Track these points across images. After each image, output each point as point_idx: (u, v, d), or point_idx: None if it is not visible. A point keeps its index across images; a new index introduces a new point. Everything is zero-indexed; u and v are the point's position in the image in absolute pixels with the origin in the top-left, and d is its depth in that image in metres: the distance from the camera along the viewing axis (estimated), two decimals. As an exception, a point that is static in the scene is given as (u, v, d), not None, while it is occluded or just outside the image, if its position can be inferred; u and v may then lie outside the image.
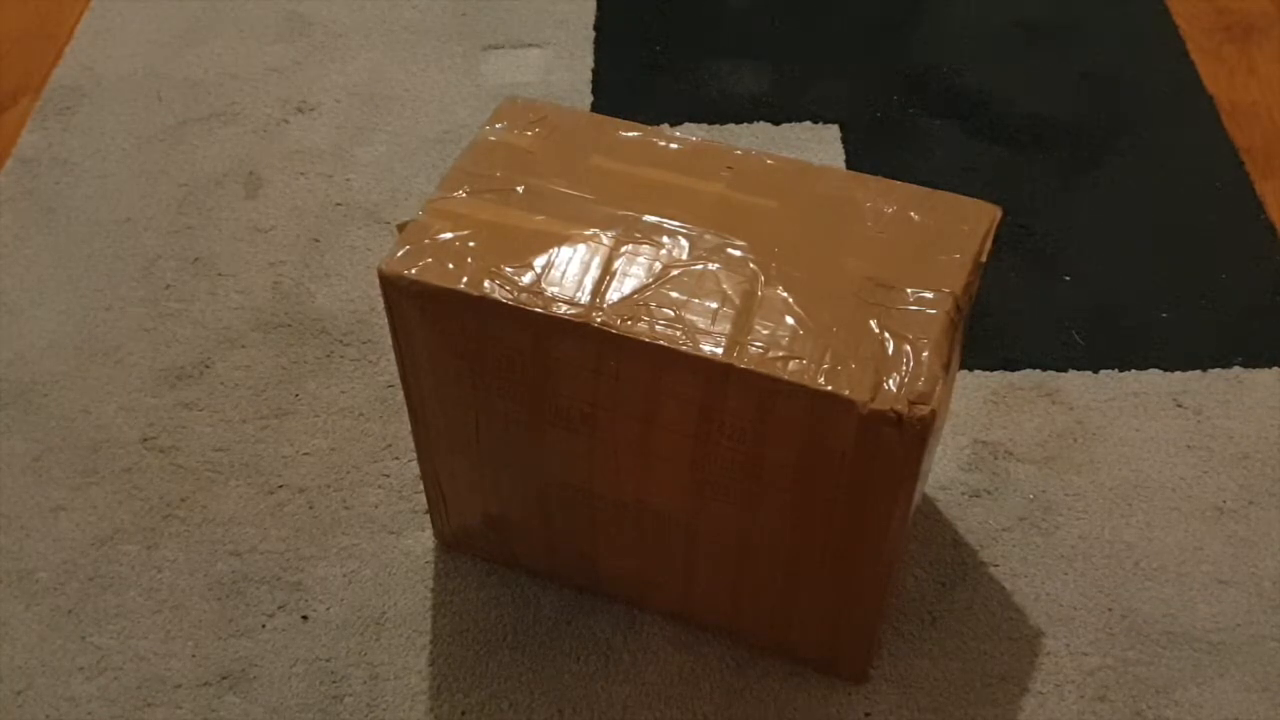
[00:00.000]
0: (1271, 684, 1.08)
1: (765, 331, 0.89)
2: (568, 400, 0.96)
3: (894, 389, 0.86)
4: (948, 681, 1.08)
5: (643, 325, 0.90)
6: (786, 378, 0.87)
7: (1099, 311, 1.37)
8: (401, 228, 0.97)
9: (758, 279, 0.93)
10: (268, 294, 1.39)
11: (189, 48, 1.69)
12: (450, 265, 0.94)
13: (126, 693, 1.08)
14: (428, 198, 1.00)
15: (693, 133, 1.55)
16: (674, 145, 1.03)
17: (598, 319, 0.90)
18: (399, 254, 0.95)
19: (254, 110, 1.60)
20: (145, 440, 1.26)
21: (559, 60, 1.66)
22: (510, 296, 0.92)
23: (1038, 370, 1.31)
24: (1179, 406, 1.27)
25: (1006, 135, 1.56)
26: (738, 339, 0.89)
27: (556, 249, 0.95)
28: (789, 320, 0.90)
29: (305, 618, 1.13)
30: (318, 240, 1.44)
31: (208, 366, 1.32)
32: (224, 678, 1.09)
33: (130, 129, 1.58)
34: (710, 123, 1.58)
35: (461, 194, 0.99)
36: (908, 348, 0.88)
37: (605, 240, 0.95)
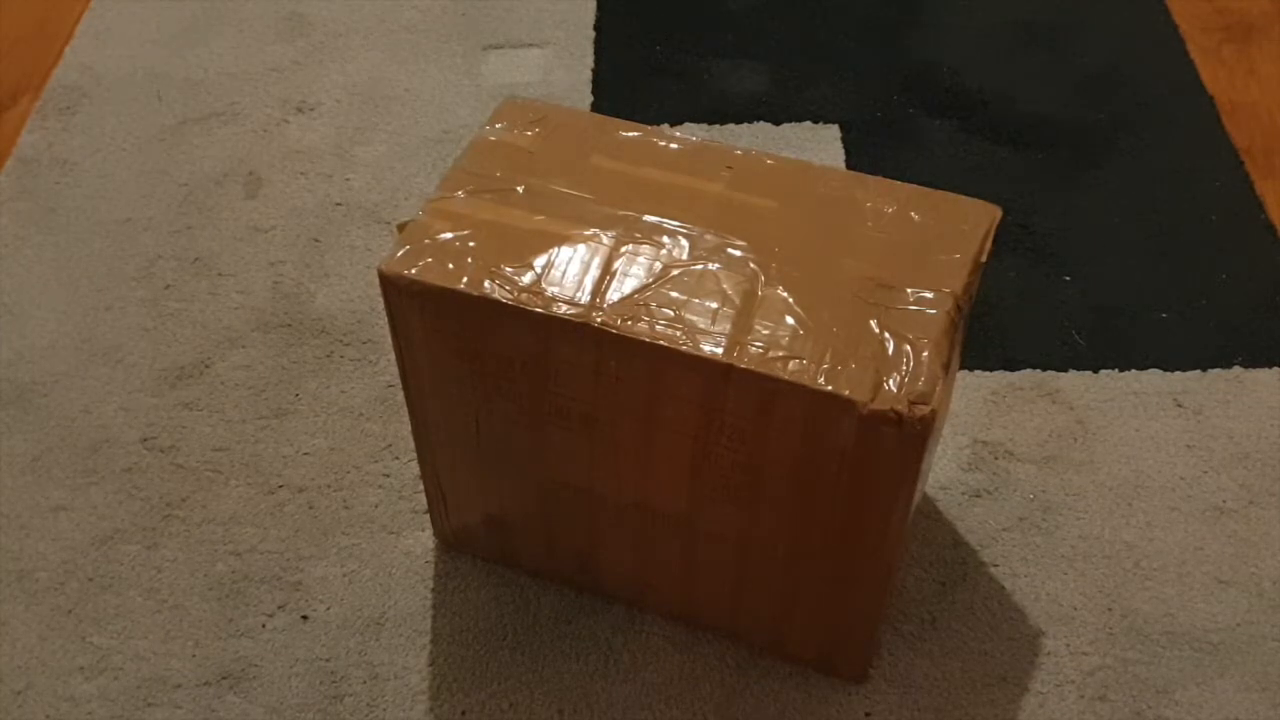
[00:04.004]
0: (1271, 684, 1.08)
1: (765, 331, 0.89)
2: (568, 400, 0.96)
3: (894, 389, 0.86)
4: (948, 681, 1.08)
5: (643, 325, 0.90)
6: (786, 378, 0.87)
7: (1099, 311, 1.37)
8: (401, 228, 0.97)
9: (758, 279, 0.93)
10: (268, 294, 1.39)
11: (189, 48, 1.69)
12: (450, 265, 0.94)
13: (126, 693, 1.08)
14: (428, 198, 1.00)
15: (693, 133, 1.55)
16: (674, 145, 1.03)
17: (598, 319, 0.90)
18: (399, 254, 0.95)
19: (254, 110, 1.60)
20: (145, 440, 1.26)
21: (559, 60, 1.66)
22: (510, 296, 0.92)
23: (1038, 370, 1.31)
24: (1179, 406, 1.27)
25: (1006, 135, 1.56)
26: (738, 339, 0.89)
27: (556, 249, 0.95)
28: (789, 320, 0.90)
29: (305, 618, 1.13)
30: (318, 240, 1.44)
31: (208, 366, 1.32)
32: (224, 678, 1.09)
33: (130, 129, 1.58)
34: (710, 123, 1.58)
35: (461, 194, 0.99)
36: (908, 348, 0.88)
37: (605, 240, 0.95)
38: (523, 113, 1.06)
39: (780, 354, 0.88)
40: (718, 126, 1.57)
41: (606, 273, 0.93)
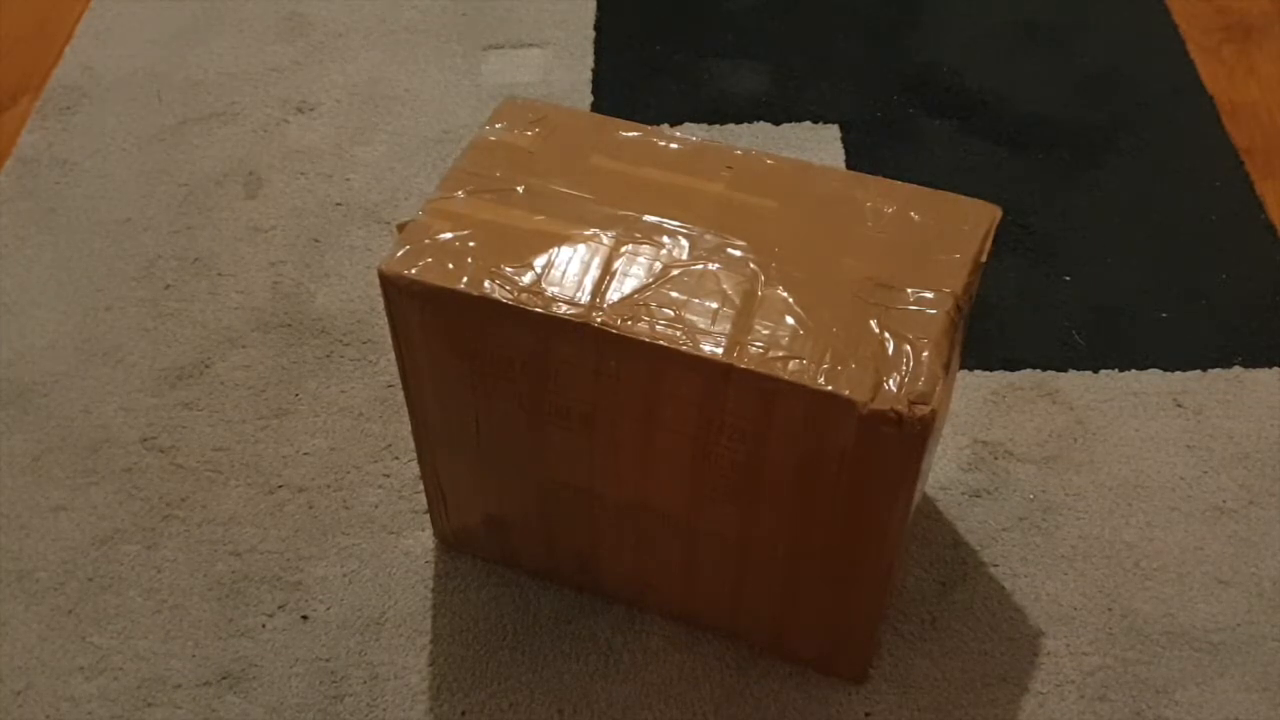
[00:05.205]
0: (1271, 684, 1.08)
1: (765, 331, 0.89)
2: (568, 400, 0.96)
3: (894, 389, 0.86)
4: (948, 681, 1.08)
5: (643, 325, 0.90)
6: (786, 378, 0.87)
7: (1099, 311, 1.37)
8: (401, 228, 0.97)
9: (758, 279, 0.93)
10: (268, 294, 1.39)
11: (189, 48, 1.69)
12: (450, 265, 0.94)
13: (126, 693, 1.08)
14: (428, 198, 1.00)
15: (693, 133, 1.55)
16: (674, 145, 1.03)
17: (598, 319, 0.90)
18: (399, 254, 0.95)
19: (254, 110, 1.60)
20: (145, 440, 1.26)
21: (559, 60, 1.66)
22: (510, 296, 0.92)
23: (1038, 370, 1.31)
24: (1179, 406, 1.27)
25: (1006, 135, 1.56)
26: (738, 339, 0.89)
27: (556, 249, 0.95)
28: (789, 320, 0.90)
29: (305, 618, 1.13)
30: (318, 240, 1.44)
31: (208, 366, 1.32)
32: (224, 678, 1.09)
33: (130, 129, 1.58)
34: (710, 123, 1.58)
35: (461, 194, 0.99)
36: (908, 348, 0.88)
37: (605, 240, 0.95)
38: (523, 113, 1.06)
39: (780, 354, 0.88)
40: (718, 126, 1.57)
41: (606, 273, 0.93)
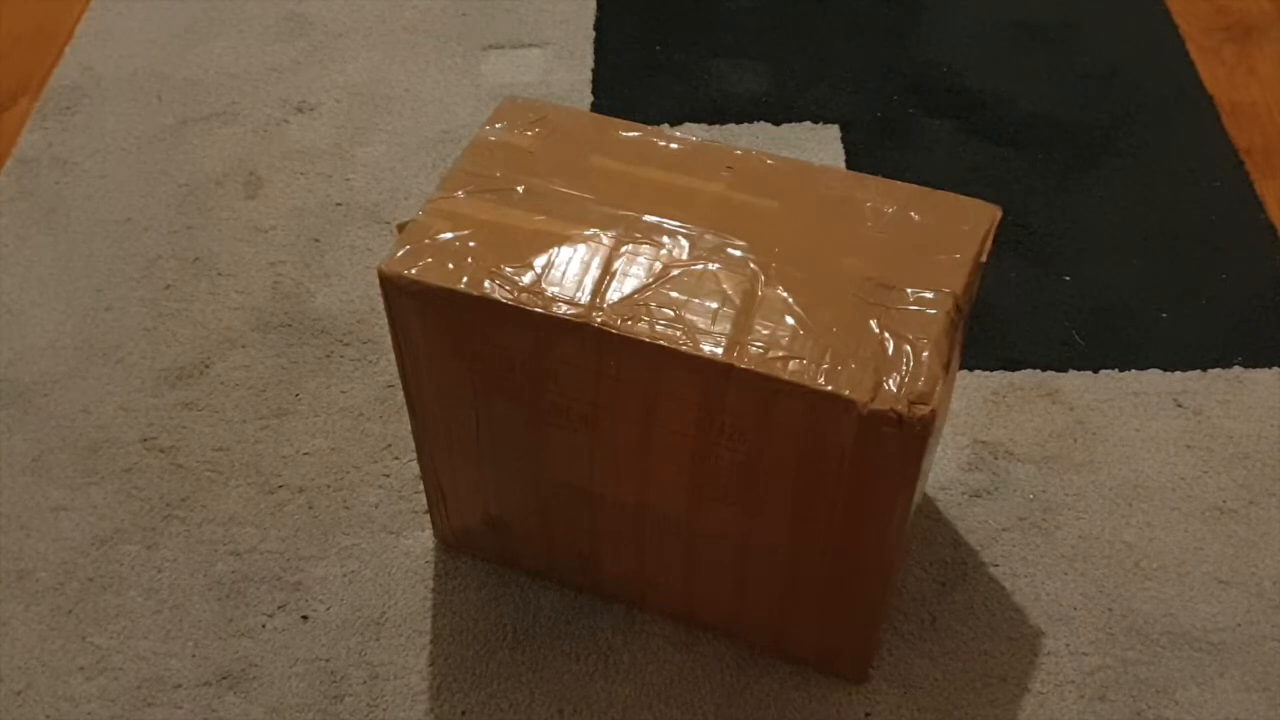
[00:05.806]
0: (1271, 684, 1.08)
1: (765, 331, 0.89)
2: (568, 400, 0.96)
3: (894, 389, 0.86)
4: (948, 681, 1.08)
5: (643, 325, 0.90)
6: (786, 378, 0.87)
7: (1099, 311, 1.37)
8: (401, 228, 0.97)
9: (758, 279, 0.93)
10: (268, 294, 1.39)
11: (189, 48, 1.69)
12: (450, 265, 0.94)
13: (126, 693, 1.08)
14: (428, 198, 1.00)
15: (693, 133, 1.55)
16: (674, 145, 1.03)
17: (598, 319, 0.90)
18: (399, 254, 0.95)
19: (254, 110, 1.60)
20: (145, 440, 1.26)
21: (559, 60, 1.66)
22: (510, 296, 0.92)
23: (1038, 370, 1.31)
24: (1179, 406, 1.27)
25: (1006, 135, 1.56)
26: (738, 339, 0.89)
27: (556, 249, 0.95)
28: (789, 320, 0.90)
29: (305, 618, 1.13)
30: (318, 240, 1.45)
31: (208, 366, 1.32)
32: (224, 678, 1.09)
33: (130, 129, 1.58)
34: (710, 123, 1.58)
35: (461, 194, 0.99)
36: (908, 348, 0.88)
37: (605, 240, 0.95)
38: (523, 113, 1.06)
39: (780, 354, 0.88)
40: (718, 126, 1.57)
41: (606, 273, 0.93)
